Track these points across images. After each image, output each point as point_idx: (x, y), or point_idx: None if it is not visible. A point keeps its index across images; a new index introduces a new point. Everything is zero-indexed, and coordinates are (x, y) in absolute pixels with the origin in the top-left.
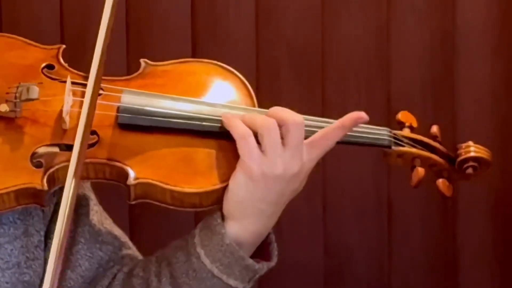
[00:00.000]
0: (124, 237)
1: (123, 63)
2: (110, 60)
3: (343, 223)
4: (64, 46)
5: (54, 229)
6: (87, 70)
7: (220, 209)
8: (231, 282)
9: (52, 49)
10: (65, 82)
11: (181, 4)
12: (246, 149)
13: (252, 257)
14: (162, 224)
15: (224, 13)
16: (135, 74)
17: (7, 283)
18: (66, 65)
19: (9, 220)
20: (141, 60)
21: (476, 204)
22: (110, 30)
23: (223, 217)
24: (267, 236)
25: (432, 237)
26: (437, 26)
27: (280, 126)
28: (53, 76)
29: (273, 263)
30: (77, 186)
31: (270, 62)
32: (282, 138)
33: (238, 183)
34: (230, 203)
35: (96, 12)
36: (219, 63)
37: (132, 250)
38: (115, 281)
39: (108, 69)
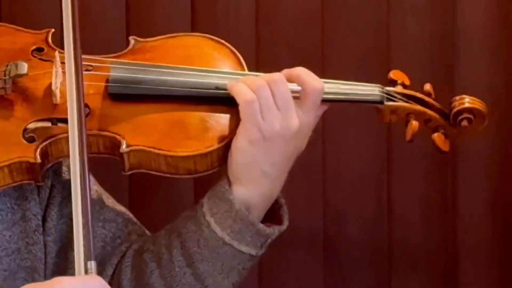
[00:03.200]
0: (128, 214)
1: None
2: None
3: (343, 222)
4: (53, 30)
5: (51, 213)
6: None
7: (226, 176)
8: (243, 248)
9: (41, 33)
10: (53, 61)
11: (181, 4)
12: (250, 113)
13: (262, 222)
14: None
15: (224, 13)
16: (125, 50)
17: (5, 270)
18: (55, 47)
19: (6, 206)
20: (130, 38)
21: (476, 204)
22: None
23: (229, 184)
24: (277, 201)
25: (432, 237)
26: (437, 26)
27: None
28: (43, 58)
29: (284, 226)
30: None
31: (270, 62)
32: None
33: (239, 147)
34: (234, 168)
35: (96, 13)
36: (207, 35)
37: (138, 225)
38: (126, 259)
39: None
